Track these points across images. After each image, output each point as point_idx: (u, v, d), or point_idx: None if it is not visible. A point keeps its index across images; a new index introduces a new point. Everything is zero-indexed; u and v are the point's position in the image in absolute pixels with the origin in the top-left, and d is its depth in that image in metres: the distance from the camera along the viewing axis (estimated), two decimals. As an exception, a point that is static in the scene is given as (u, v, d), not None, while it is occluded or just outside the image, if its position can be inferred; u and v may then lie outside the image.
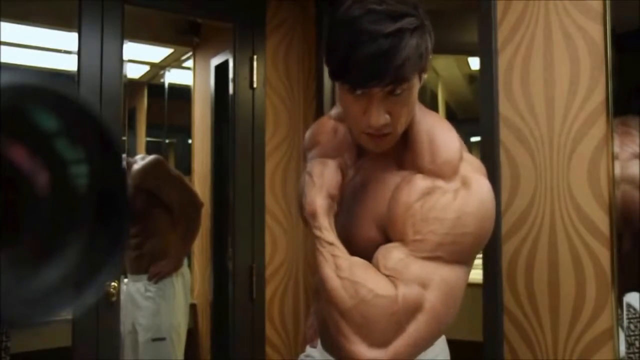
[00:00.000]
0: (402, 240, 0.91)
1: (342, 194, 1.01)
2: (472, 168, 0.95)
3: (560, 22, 1.37)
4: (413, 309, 0.87)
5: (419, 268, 0.88)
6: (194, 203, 2.70)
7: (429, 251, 0.88)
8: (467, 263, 0.93)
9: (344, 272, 0.89)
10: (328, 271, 0.90)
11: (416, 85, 0.91)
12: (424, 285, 0.87)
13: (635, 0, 1.25)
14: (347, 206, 1.03)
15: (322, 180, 0.97)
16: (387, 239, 0.95)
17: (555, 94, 1.38)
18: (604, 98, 1.27)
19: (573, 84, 1.34)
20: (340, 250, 0.92)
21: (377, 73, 0.83)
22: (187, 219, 2.67)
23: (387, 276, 0.89)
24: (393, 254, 0.90)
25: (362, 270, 0.89)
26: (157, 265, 2.61)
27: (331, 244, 0.92)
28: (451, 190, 0.90)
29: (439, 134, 0.97)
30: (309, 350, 1.25)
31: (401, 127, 0.93)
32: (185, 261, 2.82)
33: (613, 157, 1.25)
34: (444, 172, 0.92)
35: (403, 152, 0.98)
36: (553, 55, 1.39)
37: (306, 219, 1.00)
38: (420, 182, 0.92)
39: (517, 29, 1.46)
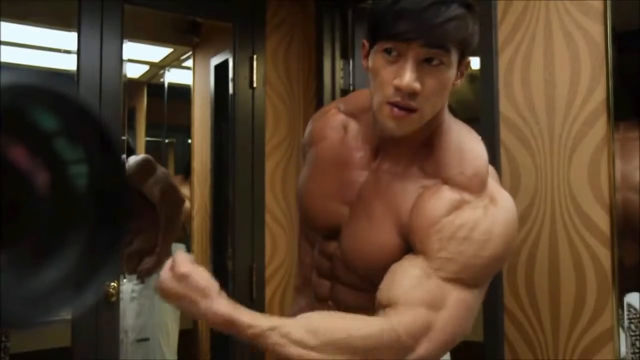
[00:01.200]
0: (425, 253, 0.88)
1: (356, 196, 1.00)
2: (495, 180, 0.93)
3: (561, 21, 1.37)
4: (420, 332, 0.85)
5: (435, 287, 0.86)
6: (175, 199, 2.71)
7: (452, 272, 0.86)
8: (485, 285, 0.92)
9: (310, 340, 0.82)
10: (294, 351, 0.82)
11: (453, 68, 0.88)
12: (436, 306, 0.85)
13: (636, 0, 1.25)
14: (363, 210, 0.98)
15: None
16: (408, 246, 0.91)
17: (556, 93, 1.37)
18: (605, 98, 1.27)
19: (573, 83, 1.34)
20: (287, 324, 0.84)
21: (421, 27, 0.82)
22: (168, 215, 2.67)
23: (385, 306, 0.86)
24: (409, 272, 0.87)
25: (327, 325, 0.85)
26: (143, 263, 2.62)
27: (272, 329, 0.82)
28: (480, 206, 0.88)
29: (468, 145, 0.95)
30: None
31: (428, 108, 0.88)
32: None
33: (613, 157, 1.25)
34: (473, 185, 0.90)
35: (428, 158, 0.94)
36: (553, 55, 1.38)
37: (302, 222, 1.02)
38: (448, 194, 0.89)
39: (518, 28, 1.46)
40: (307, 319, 0.89)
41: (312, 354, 0.82)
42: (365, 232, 0.97)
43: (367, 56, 0.93)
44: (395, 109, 0.86)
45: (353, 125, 1.07)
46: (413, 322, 0.85)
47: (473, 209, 0.87)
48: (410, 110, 0.86)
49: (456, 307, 0.86)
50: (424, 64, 0.85)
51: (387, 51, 0.86)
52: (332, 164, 1.07)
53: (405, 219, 0.91)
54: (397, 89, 0.85)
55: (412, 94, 0.85)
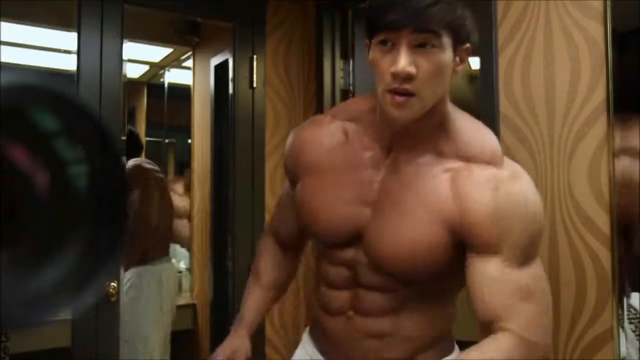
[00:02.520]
0: (491, 248, 0.93)
1: (377, 195, 1.01)
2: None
3: (561, 21, 1.37)
4: (534, 323, 0.94)
5: (517, 279, 0.93)
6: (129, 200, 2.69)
7: (521, 256, 0.93)
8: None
9: None
10: None
11: (447, 52, 0.91)
12: (528, 295, 0.93)
13: (636, 0, 1.25)
14: (391, 206, 0.99)
15: None
16: (454, 238, 0.95)
17: (556, 93, 1.37)
18: (605, 97, 1.27)
19: (573, 83, 1.34)
20: None
21: (408, 14, 0.88)
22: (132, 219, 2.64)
23: (493, 320, 0.93)
24: (492, 277, 0.93)
25: None
26: None
27: None
28: (507, 177, 0.95)
29: (478, 126, 1.03)
30: (304, 336, 1.25)
31: (427, 92, 0.92)
32: (171, 266, 2.75)
33: (614, 157, 1.25)
34: (496, 159, 0.96)
35: (444, 142, 0.99)
36: (553, 55, 1.38)
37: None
38: (483, 173, 0.94)
39: (518, 28, 1.46)
40: None
41: None
42: (399, 227, 0.98)
43: (367, 44, 0.98)
44: (396, 96, 0.91)
45: (354, 128, 1.08)
46: (525, 320, 0.93)
47: (506, 182, 0.94)
48: (409, 94, 0.90)
49: (539, 285, 0.96)
50: (417, 49, 0.90)
51: (383, 43, 0.91)
52: (340, 168, 1.06)
53: (447, 207, 0.95)
54: (394, 75, 0.89)
55: (408, 78, 0.89)
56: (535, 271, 0.96)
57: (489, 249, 0.94)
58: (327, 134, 1.11)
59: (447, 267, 0.98)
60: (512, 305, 0.93)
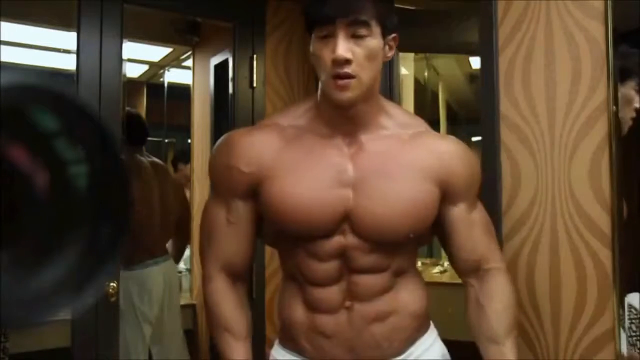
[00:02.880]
0: (462, 194, 1.13)
1: (355, 174, 1.07)
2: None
3: (562, 21, 1.37)
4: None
5: (480, 219, 1.17)
6: None
7: (476, 198, 1.18)
8: None
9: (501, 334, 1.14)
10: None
11: (378, 39, 1.05)
12: (490, 230, 1.20)
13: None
14: (378, 178, 1.07)
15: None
16: (439, 191, 1.10)
17: (557, 93, 1.37)
18: (606, 97, 1.27)
19: (574, 83, 1.34)
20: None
21: (338, 6, 1.01)
22: None
23: (481, 261, 1.16)
24: (465, 223, 1.15)
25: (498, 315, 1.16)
26: None
27: None
28: (454, 138, 1.20)
29: (401, 107, 1.24)
30: (273, 352, 1.24)
31: (364, 74, 1.03)
32: (155, 270, 2.60)
33: (614, 157, 1.25)
34: (429, 129, 1.19)
35: (385, 120, 1.13)
36: (554, 55, 1.38)
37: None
38: (435, 135, 1.18)
39: (518, 28, 1.46)
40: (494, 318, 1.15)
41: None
42: (389, 194, 1.07)
43: (308, 39, 1.09)
44: (338, 80, 1.02)
45: (302, 125, 1.13)
46: (498, 254, 1.20)
47: (458, 141, 1.18)
48: (350, 77, 1.02)
49: (487, 216, 1.20)
50: (351, 39, 1.02)
51: (322, 37, 1.03)
52: (306, 161, 1.09)
53: (427, 165, 1.10)
54: (334, 62, 1.01)
55: (347, 63, 1.01)
56: (481, 206, 1.19)
57: (462, 196, 1.13)
58: (274, 135, 1.12)
59: (430, 225, 1.12)
60: (489, 245, 1.17)
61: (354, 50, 1.02)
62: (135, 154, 2.60)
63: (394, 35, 1.09)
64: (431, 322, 1.23)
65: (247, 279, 1.24)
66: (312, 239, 1.08)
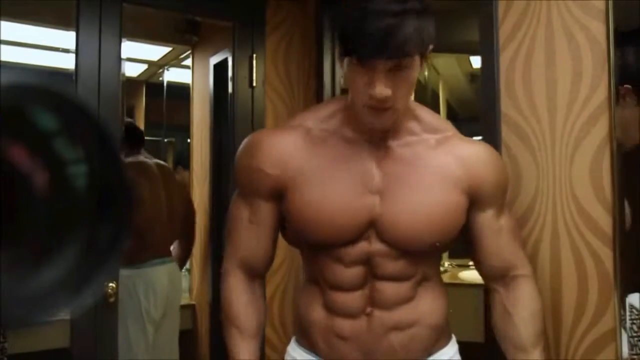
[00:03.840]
0: (491, 199, 1.12)
1: (382, 181, 1.05)
2: None
3: (562, 20, 1.36)
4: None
5: (509, 223, 1.17)
6: None
7: (505, 204, 1.17)
8: None
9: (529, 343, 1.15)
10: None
11: (417, 67, 0.98)
12: (518, 237, 1.20)
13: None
14: (405, 184, 1.05)
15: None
16: (467, 199, 1.08)
17: (557, 92, 1.37)
18: (607, 97, 1.27)
19: (575, 82, 1.33)
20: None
21: (382, 47, 0.91)
22: None
23: (509, 269, 1.16)
24: (493, 229, 1.13)
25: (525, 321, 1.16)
26: None
27: None
28: (482, 142, 1.22)
29: (429, 110, 1.18)
30: (289, 350, 1.23)
31: (401, 104, 1.00)
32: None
33: (615, 156, 1.25)
34: (455, 131, 1.15)
35: (414, 125, 1.10)
36: (555, 54, 1.38)
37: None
38: (462, 140, 1.13)
39: (519, 27, 1.46)
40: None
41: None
42: (416, 202, 1.05)
43: (341, 57, 1.01)
44: (374, 110, 0.98)
45: (328, 129, 1.10)
46: (526, 260, 1.18)
47: (486, 146, 1.17)
48: (387, 108, 0.98)
49: (516, 222, 1.22)
50: (391, 72, 0.94)
51: (358, 63, 0.95)
52: (333, 166, 1.06)
53: (455, 173, 1.07)
54: (371, 97, 0.95)
55: (385, 100, 0.95)
56: (509, 211, 1.18)
57: (490, 202, 1.11)
58: (299, 137, 1.09)
59: (457, 233, 1.09)
60: (516, 251, 1.16)
61: (394, 84, 0.95)
62: (138, 157, 2.62)
63: (430, 47, 1.00)
64: (453, 336, 1.22)
65: (263, 280, 1.22)
66: (337, 247, 1.06)
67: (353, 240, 1.05)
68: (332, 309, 1.10)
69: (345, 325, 1.09)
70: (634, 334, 1.23)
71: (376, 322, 1.08)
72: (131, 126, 2.78)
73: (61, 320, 1.68)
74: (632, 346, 1.22)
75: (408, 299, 1.09)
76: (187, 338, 2.80)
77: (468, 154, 1.09)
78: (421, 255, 1.09)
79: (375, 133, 1.06)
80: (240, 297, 1.16)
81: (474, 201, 1.10)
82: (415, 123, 1.10)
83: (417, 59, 0.96)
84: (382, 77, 0.93)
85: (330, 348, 1.11)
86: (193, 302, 2.98)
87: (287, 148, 1.08)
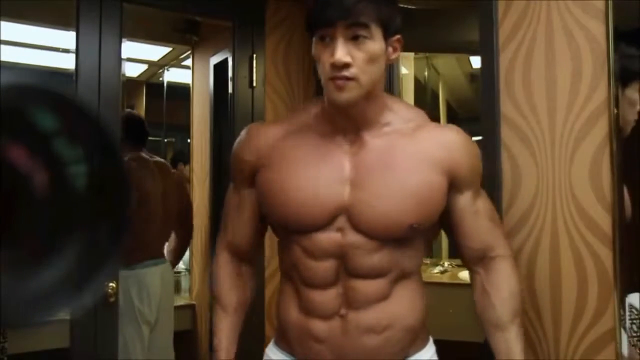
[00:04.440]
0: (468, 183, 1.13)
1: (353, 171, 1.08)
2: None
3: (562, 20, 1.37)
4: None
5: (485, 205, 1.18)
6: None
7: (479, 187, 1.18)
8: None
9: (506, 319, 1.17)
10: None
11: (378, 41, 1.04)
12: (494, 218, 1.21)
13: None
14: (374, 175, 1.07)
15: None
16: (447, 180, 1.10)
17: (557, 92, 1.37)
18: (606, 97, 1.27)
19: (575, 82, 1.33)
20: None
21: (336, 7, 1.01)
22: None
23: (486, 250, 1.17)
24: (470, 211, 1.15)
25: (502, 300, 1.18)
26: None
27: None
28: (456, 127, 1.18)
29: (404, 101, 1.25)
30: (267, 351, 1.26)
31: (364, 79, 1.03)
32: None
33: (615, 156, 1.25)
34: (429, 120, 1.19)
35: (388, 116, 1.13)
36: (555, 54, 1.38)
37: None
38: (437, 126, 1.18)
39: (519, 27, 1.46)
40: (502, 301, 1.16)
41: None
42: (394, 182, 1.07)
43: (312, 44, 1.10)
44: (337, 81, 1.02)
45: (307, 125, 1.15)
46: (503, 241, 1.20)
47: (460, 131, 1.16)
48: (348, 79, 1.02)
49: (491, 204, 1.21)
50: (351, 42, 1.02)
51: (322, 38, 1.04)
52: (307, 156, 1.11)
53: (434, 155, 1.09)
54: (333, 65, 1.02)
55: (345, 66, 1.01)
56: (485, 194, 1.19)
57: (467, 185, 1.13)
58: (279, 129, 1.18)
59: (437, 216, 1.11)
60: (494, 233, 1.18)
61: (354, 54, 1.02)
62: (140, 154, 2.60)
63: (397, 37, 1.09)
64: (430, 338, 1.22)
65: (253, 264, 1.31)
66: (306, 233, 1.08)
67: (322, 227, 1.07)
68: (306, 310, 1.11)
69: (320, 327, 1.09)
70: (634, 334, 1.23)
71: (350, 324, 1.08)
72: (136, 119, 2.67)
73: (61, 320, 1.68)
74: (632, 346, 1.22)
75: (383, 297, 1.09)
76: (187, 338, 2.80)
77: (446, 139, 1.13)
78: (399, 245, 1.08)
79: (346, 120, 1.10)
80: (224, 276, 1.27)
81: (453, 184, 1.11)
82: (390, 114, 1.13)
83: (376, 33, 1.03)
84: (342, 45, 1.01)
85: (305, 350, 1.13)
86: (193, 302, 2.99)
87: (267, 138, 1.16)
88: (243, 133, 1.22)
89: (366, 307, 1.08)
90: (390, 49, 1.08)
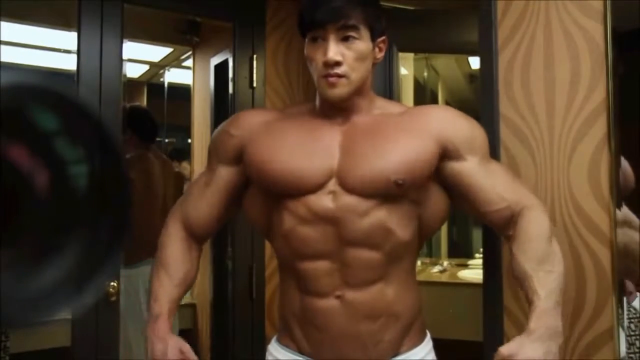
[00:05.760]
0: (477, 153, 1.17)
1: (342, 149, 1.14)
2: None
3: (561, 21, 1.37)
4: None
5: (499, 168, 1.24)
6: None
7: (487, 153, 1.22)
8: None
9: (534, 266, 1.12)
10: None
11: (366, 42, 1.13)
12: (514, 177, 1.25)
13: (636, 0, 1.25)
14: (366, 142, 1.13)
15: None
16: (438, 149, 1.13)
17: (556, 93, 1.37)
18: (605, 97, 1.27)
19: (573, 83, 1.34)
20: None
21: (325, 10, 1.09)
22: None
23: (517, 205, 1.16)
24: (485, 174, 1.17)
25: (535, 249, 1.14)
26: None
27: None
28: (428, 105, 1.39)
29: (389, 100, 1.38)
30: (269, 347, 1.26)
31: (354, 76, 1.12)
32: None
33: (614, 157, 1.25)
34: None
35: (374, 108, 1.20)
36: (553, 55, 1.38)
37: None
38: (426, 105, 1.29)
39: (518, 28, 1.46)
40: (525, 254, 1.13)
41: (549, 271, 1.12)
42: (382, 144, 1.12)
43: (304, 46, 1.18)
44: (329, 78, 1.11)
45: (299, 113, 1.24)
46: (529, 193, 1.20)
47: (445, 107, 1.31)
48: (339, 77, 1.11)
49: (506, 168, 1.30)
50: (342, 42, 1.11)
51: (314, 39, 1.13)
52: (297, 133, 1.17)
53: (426, 127, 1.15)
54: (325, 64, 1.10)
55: (337, 65, 1.10)
56: (499, 163, 1.26)
57: (467, 149, 1.15)
58: (271, 112, 1.28)
59: (424, 177, 1.13)
60: (514, 188, 1.18)
61: (344, 53, 1.10)
62: (147, 152, 2.61)
63: (382, 38, 1.18)
64: (428, 335, 1.22)
65: (201, 246, 1.33)
66: (298, 197, 1.11)
67: (314, 189, 1.11)
68: (305, 289, 1.13)
69: (318, 307, 1.12)
70: (632, 333, 1.23)
71: (348, 309, 1.11)
72: (144, 113, 2.66)
73: (62, 320, 1.68)
74: (629, 345, 1.23)
75: (379, 277, 1.11)
76: (187, 337, 2.80)
77: (435, 111, 1.24)
78: (388, 213, 1.10)
79: (338, 111, 1.17)
80: (176, 247, 1.27)
81: (449, 150, 1.15)
82: (379, 104, 1.23)
83: (364, 34, 1.12)
84: (333, 45, 1.10)
85: (307, 339, 1.15)
86: (194, 302, 2.99)
87: (257, 117, 1.26)
88: (232, 116, 1.30)
89: (362, 288, 1.10)
90: (376, 49, 1.17)
